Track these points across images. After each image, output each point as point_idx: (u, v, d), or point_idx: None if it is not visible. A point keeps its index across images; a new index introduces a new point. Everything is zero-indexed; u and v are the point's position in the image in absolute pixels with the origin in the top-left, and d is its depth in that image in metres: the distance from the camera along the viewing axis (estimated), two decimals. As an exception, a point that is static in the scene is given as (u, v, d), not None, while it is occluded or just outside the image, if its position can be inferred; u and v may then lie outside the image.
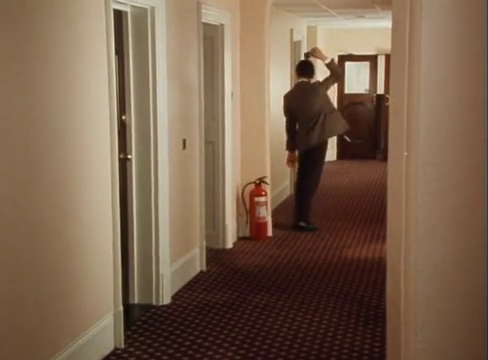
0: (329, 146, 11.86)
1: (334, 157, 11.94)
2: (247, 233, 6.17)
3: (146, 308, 4.29)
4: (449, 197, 2.05)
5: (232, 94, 5.81)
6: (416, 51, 1.95)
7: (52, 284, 3.09)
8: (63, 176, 3.15)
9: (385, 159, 11.20)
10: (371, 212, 7.52)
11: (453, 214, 2.04)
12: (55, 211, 3.09)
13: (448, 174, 2.04)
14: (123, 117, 4.18)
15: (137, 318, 4.13)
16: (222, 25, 5.57)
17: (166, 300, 4.39)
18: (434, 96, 1.96)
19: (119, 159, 3.82)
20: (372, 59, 11.99)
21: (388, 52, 11.34)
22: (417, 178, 2.05)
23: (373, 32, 11.23)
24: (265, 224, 6.19)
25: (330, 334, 3.91)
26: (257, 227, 6.15)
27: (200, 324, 4.06)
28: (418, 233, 2.07)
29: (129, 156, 4.19)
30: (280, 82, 7.66)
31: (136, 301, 4.34)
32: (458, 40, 1.93)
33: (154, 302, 4.34)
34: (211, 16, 5.30)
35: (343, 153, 12.02)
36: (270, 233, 6.28)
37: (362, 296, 4.59)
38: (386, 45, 11.25)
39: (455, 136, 2.00)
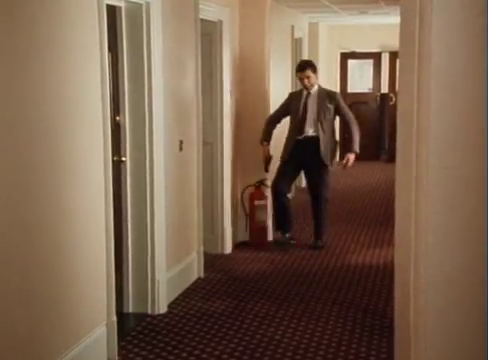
0: None
1: (336, 158, 11.85)
2: (247, 238, 6.14)
3: (141, 317, 4.26)
4: (461, 202, 2.00)
5: (231, 93, 5.79)
6: (426, 48, 1.90)
7: (42, 293, 3.05)
8: (53, 180, 3.12)
9: (389, 160, 11.42)
10: (375, 215, 7.51)
11: (465, 221, 1.99)
12: (45, 217, 3.06)
13: (460, 178, 1.99)
14: (117, 118, 4.16)
15: (132, 328, 4.10)
16: (220, 21, 5.55)
17: (162, 309, 4.36)
18: (446, 96, 1.91)
19: (113, 161, 3.80)
20: (376, 57, 11.99)
21: (392, 49, 11.42)
22: (427, 182, 2.00)
23: (377, 28, 11.21)
24: (265, 228, 6.15)
25: (333, 345, 3.87)
26: (257, 231, 6.12)
27: (198, 334, 4.02)
28: (428, 240, 2.02)
29: (123, 158, 4.18)
30: (281, 81, 7.64)
31: (130, 310, 4.32)
32: (471, 37, 1.88)
33: (149, 311, 4.31)
34: (209, 12, 5.28)
35: (346, 154, 11.94)
36: (270, 238, 6.25)
37: (367, 304, 4.56)
38: (390, 42, 11.38)
39: (468, 138, 1.95)
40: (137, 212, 4.25)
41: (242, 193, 6.11)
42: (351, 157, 5.96)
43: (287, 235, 6.03)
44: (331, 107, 5.82)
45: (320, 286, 4.95)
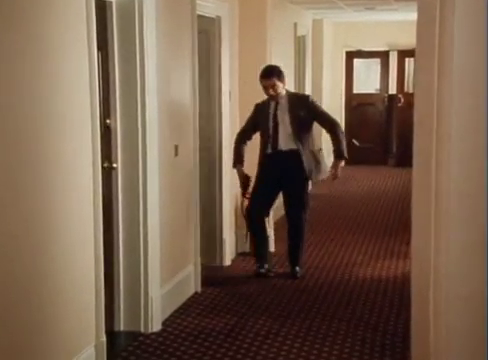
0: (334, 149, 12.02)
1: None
2: (247, 248, 6.06)
3: (133, 336, 4.20)
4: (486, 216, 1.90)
5: (230, 94, 5.76)
6: (448, 48, 1.81)
7: (24, 312, 2.98)
8: (37, 187, 3.06)
9: (398, 165, 11.44)
10: (384, 224, 7.46)
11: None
12: (28, 228, 3.00)
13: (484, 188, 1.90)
14: (107, 121, 4.12)
15: (123, 348, 4.05)
16: (219, 17, 5.52)
17: (156, 327, 4.31)
18: (469, 98, 1.82)
19: (103, 168, 3.79)
20: (383, 56, 12.01)
21: (401, 48, 11.43)
22: (449, 193, 1.91)
23: (385, 26, 11.25)
24: (267, 238, 5.97)
25: (342, 366, 3.78)
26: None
27: (194, 355, 3.95)
28: (450, 257, 1.93)
29: (114, 165, 4.14)
30: (283, 81, 7.57)
31: (122, 328, 4.26)
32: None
33: (142, 329, 4.26)
34: (207, 7, 5.25)
35: (351, 158, 11.80)
36: (272, 248, 6.18)
37: (377, 321, 4.49)
38: (399, 40, 11.44)
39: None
40: (129, 222, 4.21)
41: (242, 201, 6.03)
42: (341, 164, 5.44)
43: (264, 267, 5.47)
44: (305, 115, 5.25)
45: (326, 301, 4.89)
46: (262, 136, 5.41)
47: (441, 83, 1.91)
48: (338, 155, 5.44)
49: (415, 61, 2.40)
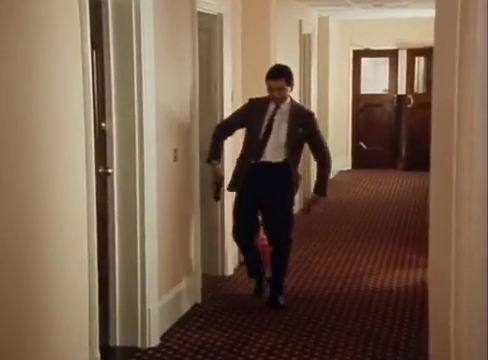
0: (343, 151, 12.07)
1: (348, 166, 11.93)
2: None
3: (130, 352, 4.16)
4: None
5: (232, 95, 5.74)
6: (470, 45, 1.73)
7: (12, 329, 2.92)
8: (24, 196, 3.00)
9: (407, 169, 11.42)
10: (394, 231, 7.42)
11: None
12: (17, 238, 2.94)
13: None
14: (102, 124, 4.09)
15: (119, 364, 4.03)
16: (221, 15, 5.52)
17: (154, 342, 4.27)
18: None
19: (97, 174, 3.76)
20: (392, 54, 12.02)
21: (411, 46, 11.43)
22: (471, 198, 1.84)
23: (393, 23, 11.28)
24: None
25: (351, 384, 3.71)
26: (262, 250, 5.90)
27: (194, 372, 3.91)
28: (473, 268, 1.84)
29: (110, 170, 4.12)
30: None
31: (117, 343, 4.22)
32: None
33: (139, 344, 4.22)
34: (208, 4, 5.25)
35: (359, 162, 12.02)
36: None
37: (388, 335, 4.43)
38: (408, 38, 11.42)
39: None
40: (125, 231, 4.18)
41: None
42: (318, 199, 5.06)
43: (263, 282, 5.17)
44: (302, 132, 4.85)
45: (333, 314, 4.83)
46: (246, 140, 4.97)
47: (462, 83, 1.83)
48: (320, 191, 5.01)
49: (433, 59, 2.33)
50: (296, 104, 5.04)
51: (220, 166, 5.12)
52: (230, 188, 5.08)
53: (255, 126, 4.86)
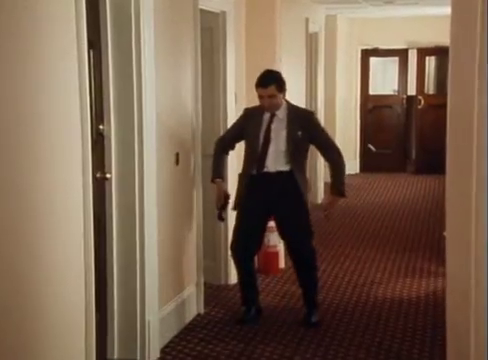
0: (351, 154, 12.02)
1: (357, 170, 11.94)
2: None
3: None
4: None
5: (236, 96, 5.73)
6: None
7: (5, 338, 2.87)
8: (20, 201, 2.96)
9: (417, 172, 11.40)
10: (404, 237, 7.40)
11: None
12: (9, 245, 2.89)
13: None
14: (100, 127, 4.07)
15: (117, 379, 3.98)
16: (224, 13, 5.51)
17: (154, 355, 4.24)
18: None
19: (95, 179, 3.73)
20: (402, 54, 12.04)
21: (421, 46, 11.44)
22: None
23: (403, 22, 11.33)
24: (276, 254, 6.05)
25: (360, 400, 3.66)
26: (266, 258, 6.01)
27: (196, 386, 3.88)
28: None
29: (108, 175, 4.09)
30: (293, 82, 7.53)
31: (115, 356, 4.19)
32: None
33: (139, 357, 4.19)
34: (210, 1, 5.24)
35: (367, 165, 12.03)
36: (282, 265, 6.15)
37: (399, 348, 4.39)
38: (419, 37, 11.40)
39: None
40: (124, 238, 4.16)
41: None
42: (337, 201, 4.89)
43: (251, 312, 4.89)
44: (304, 135, 4.71)
45: (342, 325, 4.80)
46: (247, 151, 4.85)
47: (482, 85, 1.76)
48: (337, 192, 4.82)
49: (450, 62, 2.27)
50: (293, 107, 4.85)
51: (224, 184, 4.99)
52: (235, 207, 4.91)
53: (253, 137, 4.76)
